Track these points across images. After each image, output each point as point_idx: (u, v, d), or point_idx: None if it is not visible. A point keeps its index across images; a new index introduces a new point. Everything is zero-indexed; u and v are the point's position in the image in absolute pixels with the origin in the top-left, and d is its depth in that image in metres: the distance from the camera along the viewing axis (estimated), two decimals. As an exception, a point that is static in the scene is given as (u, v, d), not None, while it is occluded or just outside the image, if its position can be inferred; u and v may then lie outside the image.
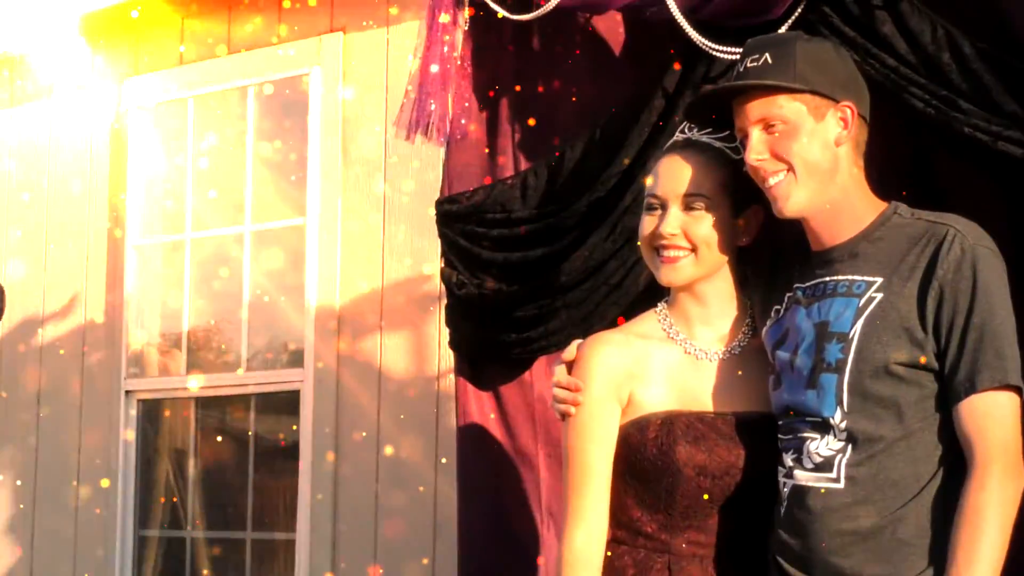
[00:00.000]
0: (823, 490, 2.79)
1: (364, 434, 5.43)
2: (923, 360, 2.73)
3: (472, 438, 3.95)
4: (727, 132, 2.99)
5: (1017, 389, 2.69)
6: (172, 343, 6.23)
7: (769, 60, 2.85)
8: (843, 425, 2.78)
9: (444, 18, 3.81)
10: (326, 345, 5.56)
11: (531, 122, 3.89)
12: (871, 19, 3.27)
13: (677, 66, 3.60)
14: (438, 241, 4.01)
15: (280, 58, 5.80)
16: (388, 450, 5.37)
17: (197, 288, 6.14)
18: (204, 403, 6.16)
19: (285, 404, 5.86)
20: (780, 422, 2.91)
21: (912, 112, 3.24)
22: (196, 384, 6.09)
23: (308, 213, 5.68)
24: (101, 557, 6.15)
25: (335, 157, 5.60)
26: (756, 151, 2.85)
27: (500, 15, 3.76)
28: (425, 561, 5.20)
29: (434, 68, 3.82)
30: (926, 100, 3.21)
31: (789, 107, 2.83)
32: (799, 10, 3.36)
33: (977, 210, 2.91)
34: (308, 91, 5.72)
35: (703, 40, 3.47)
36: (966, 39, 3.17)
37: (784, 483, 2.88)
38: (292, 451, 5.72)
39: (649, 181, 3.04)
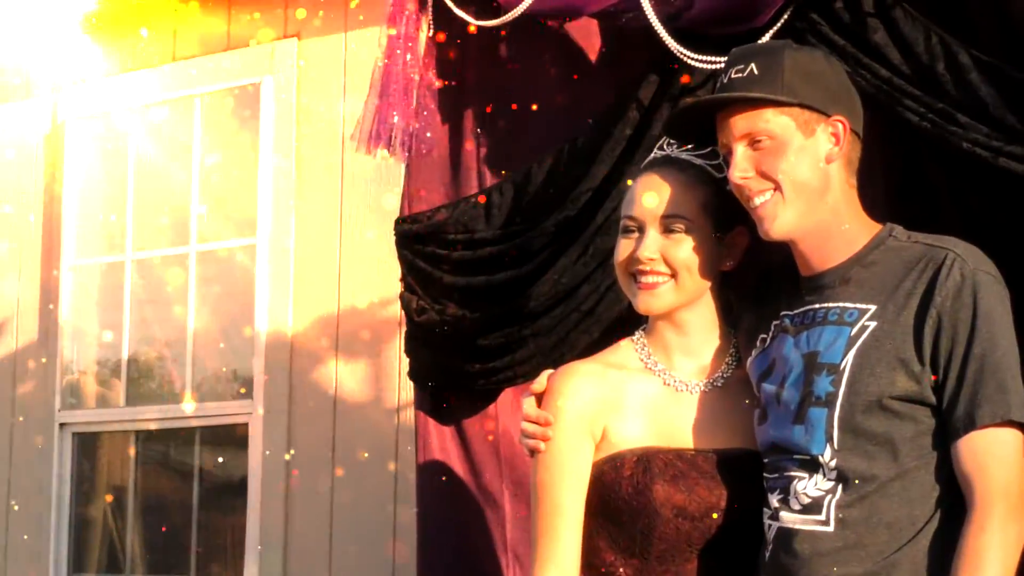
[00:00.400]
0: (811, 533, 2.76)
1: (317, 470, 5.40)
2: (920, 394, 2.71)
3: (433, 475, 3.93)
4: (709, 148, 2.97)
5: (1020, 426, 2.67)
6: (111, 372, 6.18)
7: (755, 71, 2.83)
8: (833, 463, 2.76)
9: (400, 31, 3.79)
10: (277, 374, 5.54)
11: (498, 136, 3.87)
12: (862, 27, 3.27)
13: (655, 77, 3.59)
14: (397, 263, 3.99)
15: (230, 66, 5.78)
16: (343, 487, 5.34)
17: (138, 313, 6.11)
18: (145, 436, 6.12)
19: (232, 437, 5.83)
20: (765, 460, 2.89)
21: (906, 126, 3.23)
22: (136, 416, 6.05)
23: (258, 232, 5.66)
24: (33, 602, 6.10)
25: (288, 173, 5.58)
26: (741, 168, 2.83)
27: (468, 24, 3.75)
28: (382, 605, 5.18)
29: (395, 77, 3.79)
30: (921, 113, 3.20)
31: (776, 121, 2.81)
32: (785, 17, 3.36)
33: (974, 228, 2.91)
34: (260, 102, 5.69)
35: (682, 49, 3.46)
36: (963, 48, 3.17)
37: (769, 525, 2.85)
38: (240, 488, 5.68)
39: (625, 201, 3.01)
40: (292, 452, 5.49)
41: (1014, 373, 2.69)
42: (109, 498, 6.18)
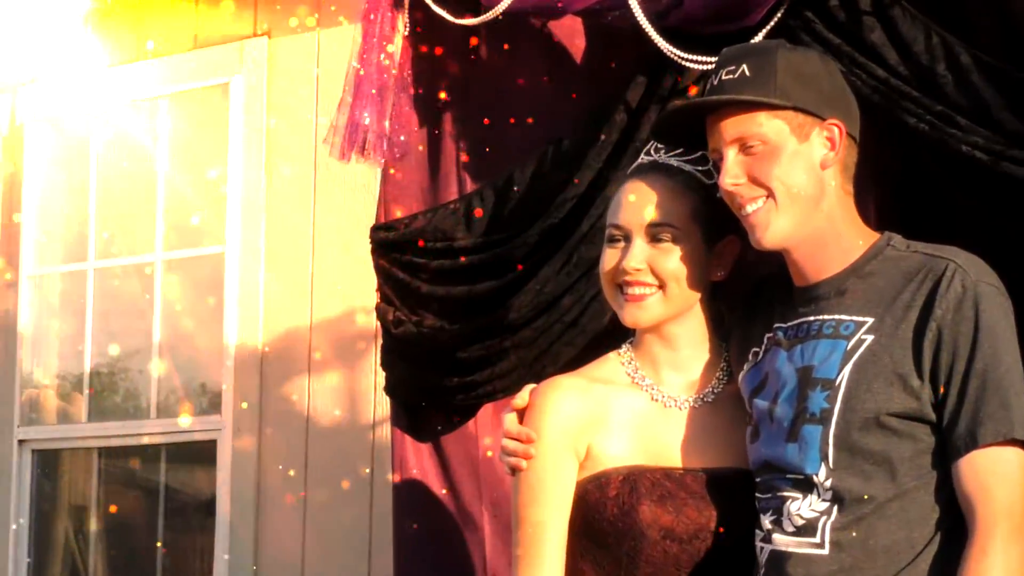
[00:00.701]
0: (805, 556, 2.75)
1: (289, 489, 5.39)
2: (919, 411, 2.70)
3: (410, 494, 3.93)
4: (699, 153, 2.96)
5: (1024, 444, 2.67)
6: (72, 386, 6.16)
7: (747, 72, 2.83)
8: (828, 483, 2.75)
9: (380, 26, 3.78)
10: (247, 389, 5.52)
11: (478, 140, 3.86)
12: (858, 26, 3.27)
13: (642, 78, 3.58)
14: (373, 273, 3.98)
15: (197, 65, 5.77)
16: (316, 507, 5.33)
17: (101, 324, 6.09)
18: (108, 453, 6.10)
19: (200, 455, 5.81)
20: (757, 479, 2.88)
21: (904, 129, 3.23)
22: (99, 432, 6.03)
23: (228, 240, 5.64)
24: (-11, 626, 6.08)
25: (258, 177, 5.57)
26: (731, 175, 2.82)
27: (447, 23, 3.74)
28: (357, 632, 5.17)
29: (370, 78, 3.79)
30: (919, 115, 3.21)
31: (769, 125, 2.80)
32: (779, 15, 3.36)
33: (974, 236, 2.91)
34: (228, 102, 5.68)
35: (671, 49, 3.46)
36: (964, 49, 3.17)
37: (761, 548, 2.84)
38: (208, 508, 5.67)
39: (610, 209, 3.01)
40: (262, 470, 5.47)
41: (1018, 390, 2.68)
42: (71, 518, 6.15)
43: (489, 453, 3.84)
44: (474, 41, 3.85)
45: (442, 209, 3.85)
